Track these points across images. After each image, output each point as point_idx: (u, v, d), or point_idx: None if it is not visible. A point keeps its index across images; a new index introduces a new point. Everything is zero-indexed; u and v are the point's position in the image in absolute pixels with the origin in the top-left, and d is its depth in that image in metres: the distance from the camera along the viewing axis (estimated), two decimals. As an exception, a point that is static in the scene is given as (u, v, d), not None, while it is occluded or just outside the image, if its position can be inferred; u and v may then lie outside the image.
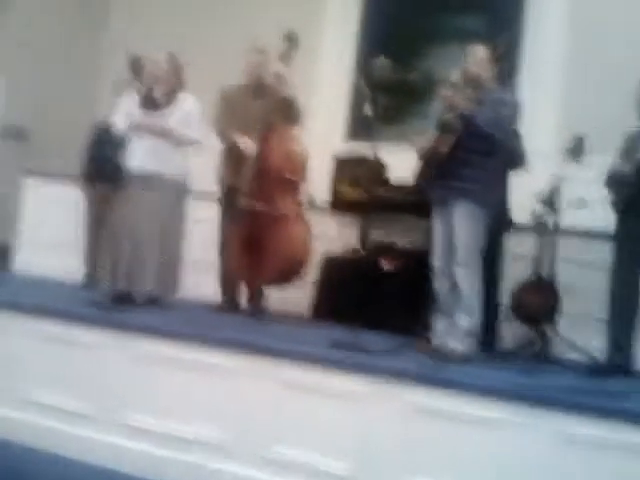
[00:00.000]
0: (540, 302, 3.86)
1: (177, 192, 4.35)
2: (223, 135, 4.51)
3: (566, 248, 3.97)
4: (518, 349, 3.79)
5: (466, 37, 4.99)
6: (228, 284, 4.58)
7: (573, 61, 5.13)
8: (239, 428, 3.16)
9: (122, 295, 4.02)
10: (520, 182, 4.06)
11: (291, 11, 5.69)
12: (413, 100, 5.72)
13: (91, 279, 4.99)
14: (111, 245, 4.13)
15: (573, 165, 3.97)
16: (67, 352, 3.50)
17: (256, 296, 4.51)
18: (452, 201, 3.61)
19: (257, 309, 4.46)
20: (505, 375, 3.20)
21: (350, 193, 5.03)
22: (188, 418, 3.24)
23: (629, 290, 3.54)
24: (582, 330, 3.88)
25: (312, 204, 4.92)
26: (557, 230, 3.93)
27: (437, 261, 3.70)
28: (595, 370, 3.50)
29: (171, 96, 4.30)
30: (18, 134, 6.58)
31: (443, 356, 3.36)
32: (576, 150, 3.97)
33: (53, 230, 5.54)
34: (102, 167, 5.02)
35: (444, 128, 3.61)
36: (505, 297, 4.00)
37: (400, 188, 4.73)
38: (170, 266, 4.29)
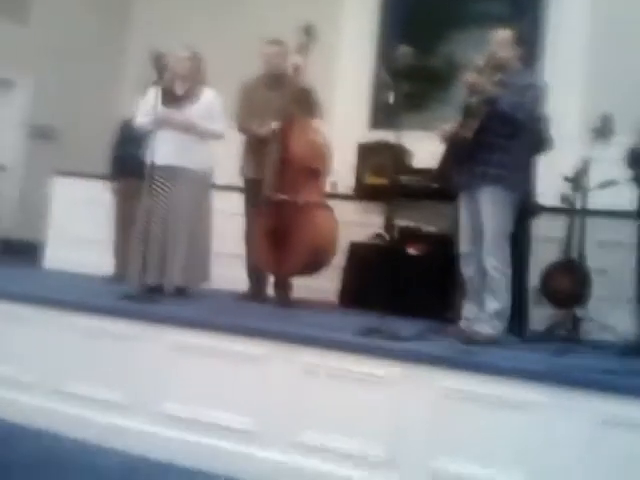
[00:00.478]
0: (570, 284, 3.84)
1: (202, 185, 4.39)
2: (243, 127, 4.55)
3: (595, 229, 3.93)
4: (549, 332, 3.77)
5: (488, 21, 4.97)
6: (254, 274, 4.62)
7: (597, 42, 5.08)
8: (270, 414, 3.19)
9: (152, 287, 4.08)
10: (547, 164, 4.03)
11: (310, 2, 5.70)
12: (436, 86, 5.71)
13: (121, 273, 5.07)
14: (139, 239, 4.18)
15: (600, 146, 3.93)
16: (100, 344, 3.55)
17: (283, 285, 4.54)
18: (477, 186, 3.59)
19: (284, 298, 4.49)
20: (537, 357, 3.18)
21: (375, 180, 5.04)
22: (219, 405, 3.27)
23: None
24: (613, 311, 3.85)
25: (337, 193, 4.94)
26: (586, 211, 3.89)
27: (464, 246, 3.69)
28: (627, 351, 3.46)
29: (192, 91, 4.35)
30: (46, 134, 6.70)
31: (472, 340, 3.36)
32: (603, 130, 3.93)
33: (82, 227, 5.63)
34: (128, 163, 5.08)
35: (468, 113, 3.60)
36: (535, 280, 3.97)
37: (424, 174, 4.72)
38: (198, 258, 4.34)
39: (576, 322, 3.79)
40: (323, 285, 4.75)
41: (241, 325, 3.43)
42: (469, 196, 3.66)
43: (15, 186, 6.83)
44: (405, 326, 3.51)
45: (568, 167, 3.95)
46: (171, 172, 4.22)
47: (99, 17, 7.12)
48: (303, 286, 4.58)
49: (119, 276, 5.04)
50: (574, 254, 3.90)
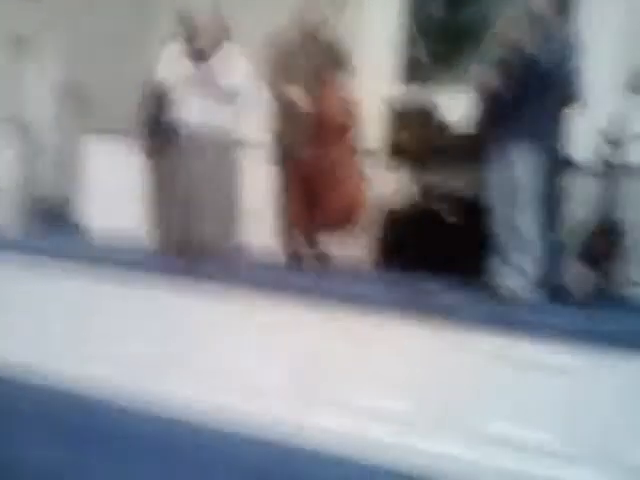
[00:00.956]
0: (605, 243, 3.80)
1: (230, 143, 4.41)
2: (275, 88, 4.52)
3: (631, 186, 3.87)
4: (584, 291, 3.75)
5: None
6: (288, 232, 4.65)
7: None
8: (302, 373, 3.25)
9: (185, 246, 4.15)
10: (582, 119, 3.96)
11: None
12: (467, 41, 5.59)
13: (154, 233, 5.15)
14: (170, 200, 4.25)
15: (636, 100, 3.84)
16: (144, 299, 3.62)
17: (315, 242, 4.58)
18: (511, 142, 3.56)
19: (320, 256, 4.53)
20: (573, 318, 3.18)
21: (405, 139, 5.00)
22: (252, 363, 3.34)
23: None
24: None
25: (367, 151, 4.92)
26: (621, 168, 3.83)
27: (496, 204, 3.68)
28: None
29: (217, 46, 4.33)
30: (77, 95, 6.73)
31: (507, 299, 3.37)
32: (638, 84, 3.84)
33: (114, 186, 5.70)
34: (156, 123, 5.10)
35: (504, 67, 3.54)
36: (569, 239, 3.94)
37: (455, 132, 4.67)
38: (229, 215, 4.40)
39: (611, 281, 3.76)
40: (356, 248, 4.76)
41: (277, 283, 3.47)
42: (501, 153, 3.64)
43: (47, 146, 6.91)
44: (441, 287, 3.50)
45: (603, 121, 3.87)
46: (198, 130, 4.24)
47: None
48: (337, 249, 4.58)
49: (153, 236, 5.12)
50: (609, 211, 3.86)
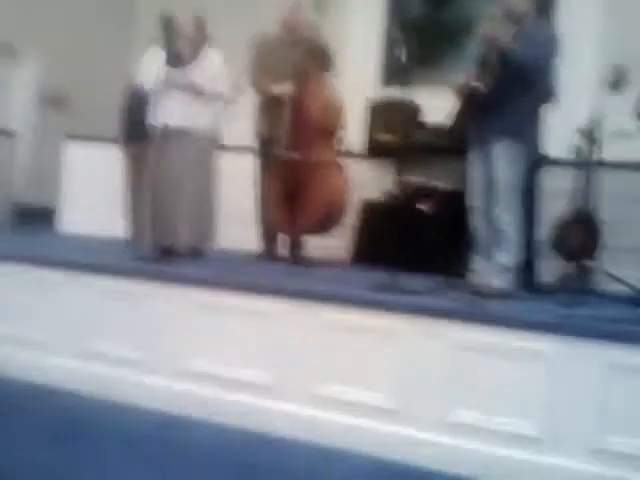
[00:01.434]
0: (581, 237, 3.84)
1: (206, 145, 4.41)
2: (258, 85, 4.53)
3: (607, 181, 3.91)
4: (559, 284, 3.78)
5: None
6: (268, 234, 4.65)
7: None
8: (286, 369, 3.26)
9: (164, 248, 4.13)
10: (560, 115, 3.99)
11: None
12: (447, 41, 5.62)
13: (134, 235, 5.13)
14: (148, 201, 4.24)
15: (613, 97, 3.88)
16: (118, 304, 3.62)
17: (296, 244, 4.58)
18: (491, 139, 3.57)
19: (298, 257, 4.53)
20: (548, 308, 3.19)
21: (386, 138, 5.02)
22: (238, 362, 3.34)
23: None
24: (625, 263, 3.85)
25: (349, 151, 4.93)
26: (598, 163, 3.87)
27: (475, 200, 3.69)
28: (637, 301, 3.47)
29: (197, 52, 4.34)
30: (57, 99, 6.71)
31: (483, 293, 3.39)
32: (616, 82, 3.88)
33: (95, 191, 5.68)
34: (136, 126, 5.09)
35: (484, 66, 3.56)
36: (546, 233, 3.98)
37: (436, 130, 4.70)
38: (204, 217, 4.40)
39: (587, 274, 3.80)
40: (334, 243, 4.77)
41: (256, 283, 3.48)
42: (481, 150, 3.65)
43: (27, 152, 6.87)
44: (416, 282, 3.53)
45: (581, 117, 3.91)
46: (175, 133, 4.24)
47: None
48: (316, 245, 4.61)
49: (133, 238, 5.11)
50: (586, 206, 3.89)
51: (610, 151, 3.92)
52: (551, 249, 3.95)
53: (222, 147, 4.71)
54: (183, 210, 4.27)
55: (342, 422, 3.08)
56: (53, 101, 6.81)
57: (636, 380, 2.70)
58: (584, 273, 3.78)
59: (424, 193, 4.60)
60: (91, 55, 6.80)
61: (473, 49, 3.83)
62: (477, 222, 3.69)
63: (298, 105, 4.36)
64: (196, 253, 4.32)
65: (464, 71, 3.72)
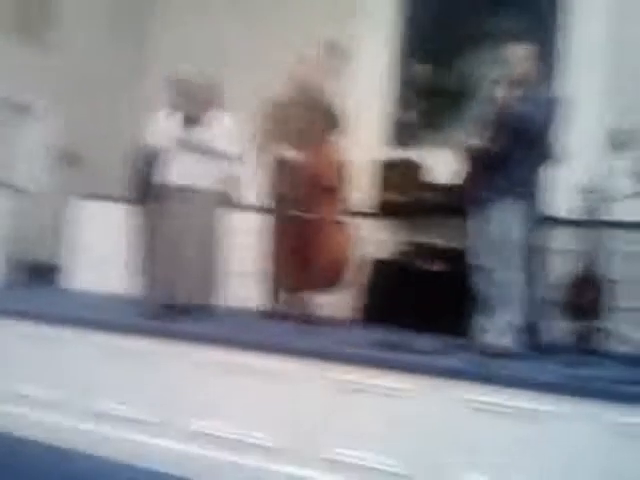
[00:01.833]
0: (587, 296, 3.83)
1: (214, 204, 4.48)
2: (268, 147, 4.61)
3: (612, 241, 3.92)
4: (565, 343, 3.76)
5: (505, 37, 4.99)
6: (277, 291, 4.66)
7: (614, 56, 5.09)
8: (293, 430, 3.22)
9: (169, 305, 4.15)
10: (565, 175, 4.04)
11: (327, 20, 5.79)
12: (454, 104, 5.74)
13: (143, 292, 5.15)
14: (155, 259, 4.29)
15: (616, 158, 3.94)
16: (124, 361, 3.62)
17: (303, 302, 4.58)
18: (493, 198, 3.62)
19: (305, 315, 4.52)
20: (554, 368, 3.18)
21: (395, 198, 5.07)
22: (243, 421, 3.32)
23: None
24: (632, 323, 3.83)
25: (356, 210, 4.99)
26: (603, 223, 3.90)
27: (478, 259, 3.72)
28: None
29: (207, 111, 4.45)
30: (71, 159, 6.85)
31: (489, 353, 3.37)
32: (619, 143, 3.95)
33: (101, 248, 5.73)
34: (146, 185, 5.17)
35: (491, 128, 3.64)
36: (551, 292, 3.98)
37: (443, 190, 4.75)
38: (207, 277, 4.42)
39: (593, 334, 3.78)
40: (342, 302, 4.78)
41: (263, 342, 3.48)
42: (484, 208, 3.69)
43: (39, 210, 6.97)
44: (424, 341, 3.53)
45: (585, 177, 3.96)
46: (184, 191, 4.32)
47: (119, 44, 7.32)
48: (323, 303, 4.61)
49: (143, 295, 5.12)
50: (591, 265, 3.90)
51: (624, 210, 3.94)
52: (557, 308, 3.94)
53: (234, 205, 4.77)
54: (189, 269, 4.30)
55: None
56: (66, 160, 6.94)
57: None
58: (590, 332, 3.76)
59: (433, 252, 4.62)
60: (102, 115, 6.99)
61: (477, 111, 3.92)
62: (480, 281, 3.70)
63: (308, 165, 4.45)
64: (203, 310, 4.33)
65: (467, 132, 3.80)
